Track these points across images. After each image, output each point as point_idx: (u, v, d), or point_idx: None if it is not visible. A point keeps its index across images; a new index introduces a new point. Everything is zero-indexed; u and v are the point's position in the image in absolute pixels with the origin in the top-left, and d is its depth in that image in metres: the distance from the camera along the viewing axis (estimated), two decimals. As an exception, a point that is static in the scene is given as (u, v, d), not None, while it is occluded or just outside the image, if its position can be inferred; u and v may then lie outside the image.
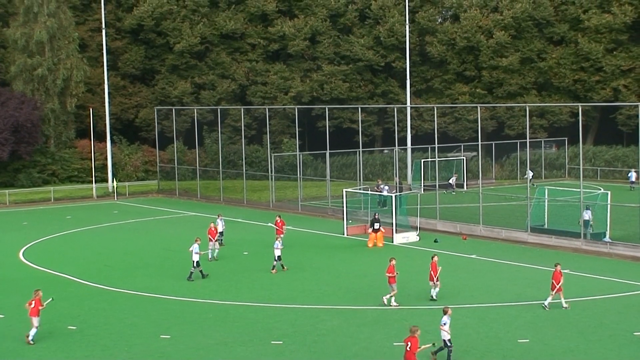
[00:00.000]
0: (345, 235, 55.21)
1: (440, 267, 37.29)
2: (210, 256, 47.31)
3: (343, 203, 57.23)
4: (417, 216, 56.10)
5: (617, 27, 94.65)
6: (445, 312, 28.85)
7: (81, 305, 37.25)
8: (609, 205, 52.01)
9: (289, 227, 55.15)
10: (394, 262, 36.79)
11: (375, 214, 52.99)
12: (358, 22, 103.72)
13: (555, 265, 35.81)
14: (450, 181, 79.02)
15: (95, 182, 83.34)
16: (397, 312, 35.08)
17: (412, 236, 53.49)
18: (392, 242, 52.16)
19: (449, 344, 28.22)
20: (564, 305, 35.11)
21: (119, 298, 37.72)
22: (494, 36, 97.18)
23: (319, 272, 43.94)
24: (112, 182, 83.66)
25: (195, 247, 42.59)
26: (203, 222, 62.75)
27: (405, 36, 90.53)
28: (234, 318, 34.39)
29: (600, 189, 67.49)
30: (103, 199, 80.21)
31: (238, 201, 75.04)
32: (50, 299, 33.56)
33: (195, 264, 42.25)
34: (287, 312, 35.20)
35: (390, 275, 36.45)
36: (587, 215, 50.79)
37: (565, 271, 42.59)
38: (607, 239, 49.71)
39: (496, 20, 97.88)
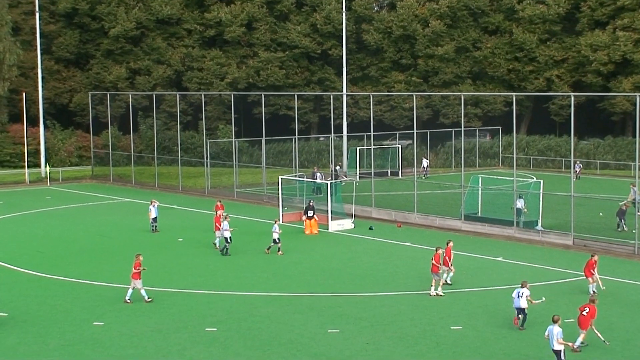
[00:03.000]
0: (280, 222, 55.18)
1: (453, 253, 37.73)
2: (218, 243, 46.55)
3: (279, 190, 57.25)
4: (352, 203, 56.32)
5: (550, 18, 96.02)
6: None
7: (13, 292, 36.81)
8: (541, 194, 52.74)
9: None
10: (440, 251, 36.48)
11: (309, 202, 53.09)
12: (295, 9, 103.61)
13: (592, 256, 35.94)
14: (338, 172, 78.26)
15: (28, 167, 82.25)
16: (331, 299, 35.21)
17: (347, 223, 53.65)
18: (327, 229, 52.31)
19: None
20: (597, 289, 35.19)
21: (52, 284, 37.34)
22: (429, 25, 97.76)
23: (253, 258, 43.91)
24: (45, 167, 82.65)
25: (225, 225, 44.72)
26: (137, 208, 62.38)
27: (342, 24, 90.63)
28: (168, 305, 34.23)
29: (533, 178, 68.33)
30: (36, 185, 79.20)
31: (173, 187, 74.63)
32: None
33: (228, 240, 44.61)
34: (222, 299, 35.14)
35: (435, 264, 35.90)
36: (519, 203, 51.43)
37: (498, 259, 43.27)
38: (539, 227, 50.37)
39: (432, 9, 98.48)
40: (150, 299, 34.53)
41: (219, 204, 53.05)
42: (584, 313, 28.31)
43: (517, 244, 48.15)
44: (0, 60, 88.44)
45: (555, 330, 25.82)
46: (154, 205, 52.26)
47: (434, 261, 35.85)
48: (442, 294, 35.57)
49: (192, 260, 43.62)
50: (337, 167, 74.45)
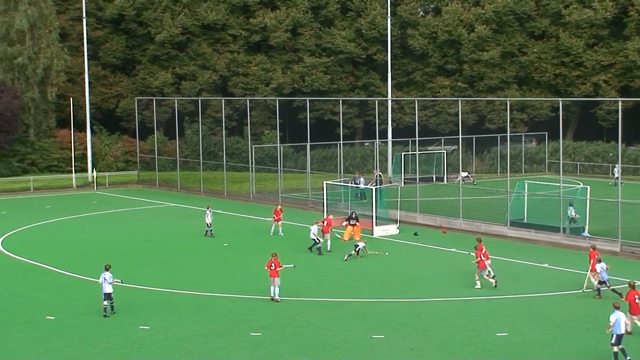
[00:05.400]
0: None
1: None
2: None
3: (323, 195, 57.23)
4: (397, 209, 56.17)
5: (597, 23, 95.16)
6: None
7: (60, 296, 37.16)
8: (588, 200, 52.27)
9: (268, 219, 55.22)
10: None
11: (352, 213, 52.78)
12: (340, 14, 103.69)
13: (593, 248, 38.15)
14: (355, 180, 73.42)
15: (75, 172, 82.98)
16: (375, 304, 35.14)
17: (392, 229, 53.52)
18: (372, 234, 52.17)
19: None
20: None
21: (98, 289, 37.56)
22: (475, 30, 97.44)
23: (298, 264, 43.85)
24: (92, 172, 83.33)
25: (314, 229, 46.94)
26: (183, 212, 62.77)
27: (387, 29, 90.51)
28: (213, 309, 34.37)
29: (580, 184, 67.75)
30: (83, 189, 79.90)
31: (218, 192, 74.91)
32: (293, 265, 38.55)
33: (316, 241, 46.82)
34: (266, 304, 35.19)
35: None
36: (571, 211, 51.03)
37: (544, 265, 42.92)
38: (585, 233, 49.91)
39: (478, 14, 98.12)
40: (279, 300, 35.58)
41: (278, 208, 53.73)
42: (637, 300, 30.14)
43: (564, 250, 47.73)
44: (48, 66, 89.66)
45: (623, 315, 27.35)
46: (209, 211, 52.63)
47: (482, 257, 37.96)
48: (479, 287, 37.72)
49: (237, 265, 43.76)
50: (355, 176, 72.77)
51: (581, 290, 36.62)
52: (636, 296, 30.21)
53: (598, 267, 35.83)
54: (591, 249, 38.04)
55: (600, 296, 35.58)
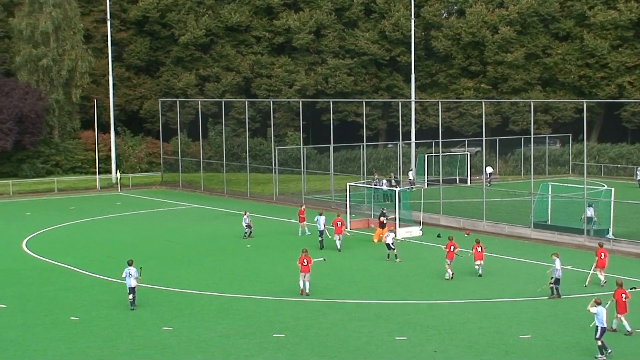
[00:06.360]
0: (348, 229, 55.11)
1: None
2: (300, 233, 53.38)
3: (347, 197, 57.20)
4: (420, 211, 56.06)
5: (622, 24, 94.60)
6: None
7: (84, 296, 37.30)
8: (612, 202, 51.97)
9: (292, 221, 55.22)
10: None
11: (382, 209, 53.03)
12: (363, 16, 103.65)
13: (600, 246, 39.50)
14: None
15: (99, 173, 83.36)
16: (399, 306, 35.06)
17: (415, 231, 53.43)
18: (395, 236, 52.03)
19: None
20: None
21: (122, 289, 37.67)
22: (499, 31, 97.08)
23: (321, 265, 43.85)
24: (116, 173, 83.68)
25: (319, 219, 48.97)
26: (206, 214, 62.86)
27: (411, 30, 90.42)
28: (235, 311, 34.39)
29: (604, 186, 67.39)
30: (106, 190, 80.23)
31: (241, 194, 75.02)
32: (323, 259, 41.54)
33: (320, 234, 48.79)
34: (290, 306, 35.20)
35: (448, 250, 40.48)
36: (589, 212, 50.73)
37: (568, 267, 42.67)
38: (610, 235, 49.63)
39: (502, 15, 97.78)
40: (309, 293, 36.94)
41: (302, 208, 54.51)
42: (624, 299, 30.43)
43: (588, 252, 47.39)
44: (73, 68, 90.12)
45: (604, 310, 28.11)
46: (247, 216, 52.73)
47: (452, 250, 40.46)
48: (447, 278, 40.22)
49: (259, 267, 43.78)
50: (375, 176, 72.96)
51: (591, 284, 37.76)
52: (623, 295, 30.43)
53: (556, 263, 36.41)
54: (599, 246, 39.21)
55: (556, 295, 36.25)
